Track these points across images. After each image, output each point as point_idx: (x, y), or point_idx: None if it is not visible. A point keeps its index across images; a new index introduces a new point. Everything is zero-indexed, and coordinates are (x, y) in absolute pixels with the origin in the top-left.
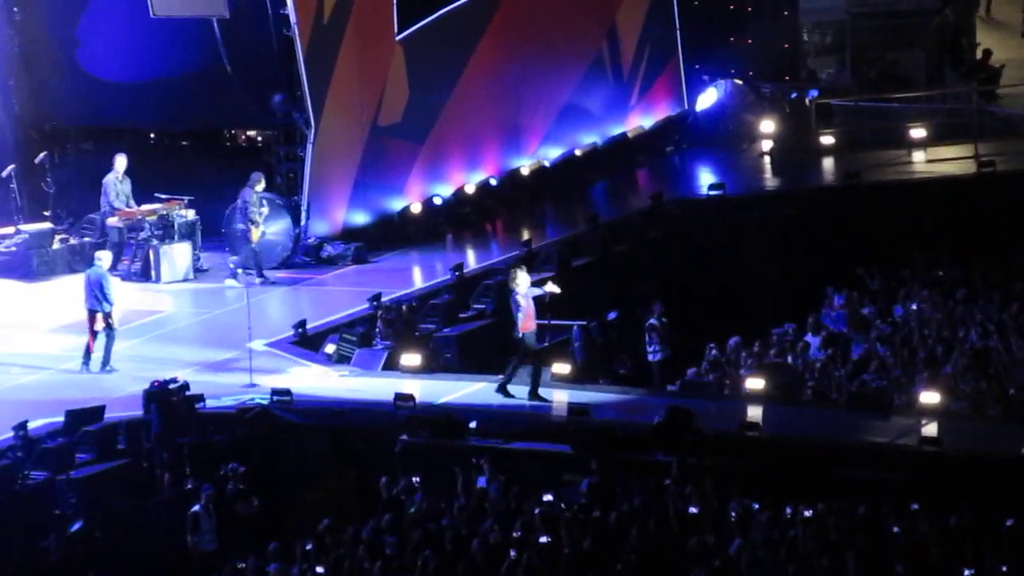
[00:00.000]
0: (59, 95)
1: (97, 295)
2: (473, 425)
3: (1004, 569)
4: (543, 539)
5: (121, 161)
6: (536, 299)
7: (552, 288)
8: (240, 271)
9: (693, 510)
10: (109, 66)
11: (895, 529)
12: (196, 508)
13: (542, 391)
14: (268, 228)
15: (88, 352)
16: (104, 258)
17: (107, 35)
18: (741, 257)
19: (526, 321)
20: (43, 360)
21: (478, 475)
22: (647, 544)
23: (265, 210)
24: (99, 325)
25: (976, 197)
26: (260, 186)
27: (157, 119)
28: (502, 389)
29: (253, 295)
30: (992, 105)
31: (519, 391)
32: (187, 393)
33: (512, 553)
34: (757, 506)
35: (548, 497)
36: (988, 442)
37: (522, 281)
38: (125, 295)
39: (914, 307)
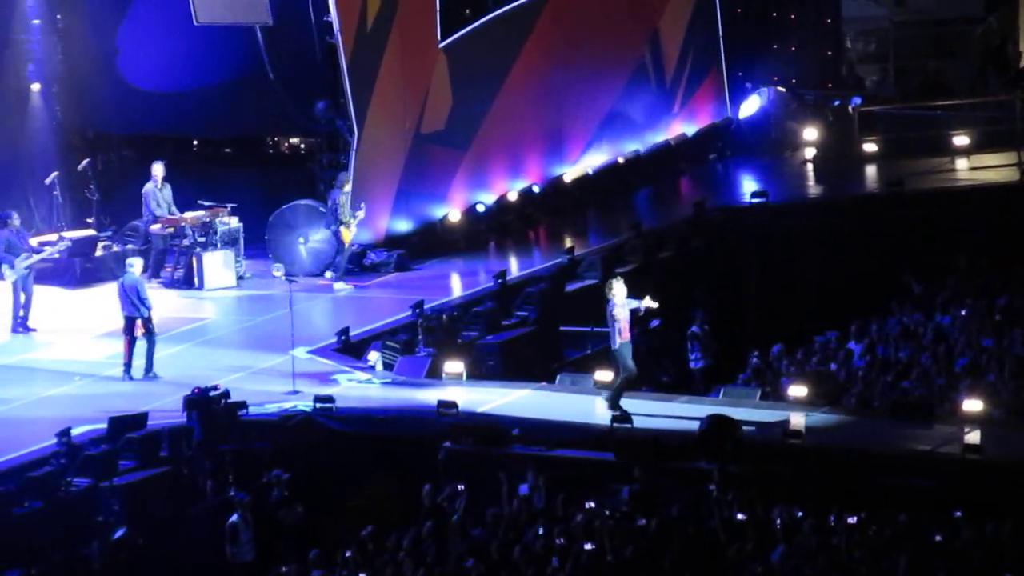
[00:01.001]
0: (102, 102)
1: (134, 301)
2: (516, 432)
3: None
4: (586, 547)
5: (158, 168)
6: (632, 311)
7: (649, 303)
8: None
9: (737, 517)
10: (151, 73)
11: (937, 537)
12: (234, 518)
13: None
14: (313, 236)
15: (128, 359)
16: (136, 264)
17: (150, 42)
18: (784, 265)
19: (624, 332)
20: (86, 367)
21: (521, 483)
22: (689, 552)
23: (361, 214)
24: (139, 331)
25: (1019, 204)
26: (348, 186)
27: (199, 126)
28: (613, 405)
29: (296, 302)
30: None
31: (630, 405)
32: (229, 400)
33: (555, 561)
34: (800, 514)
35: (591, 505)
36: None
37: (619, 292)
38: (168, 302)
39: (958, 315)
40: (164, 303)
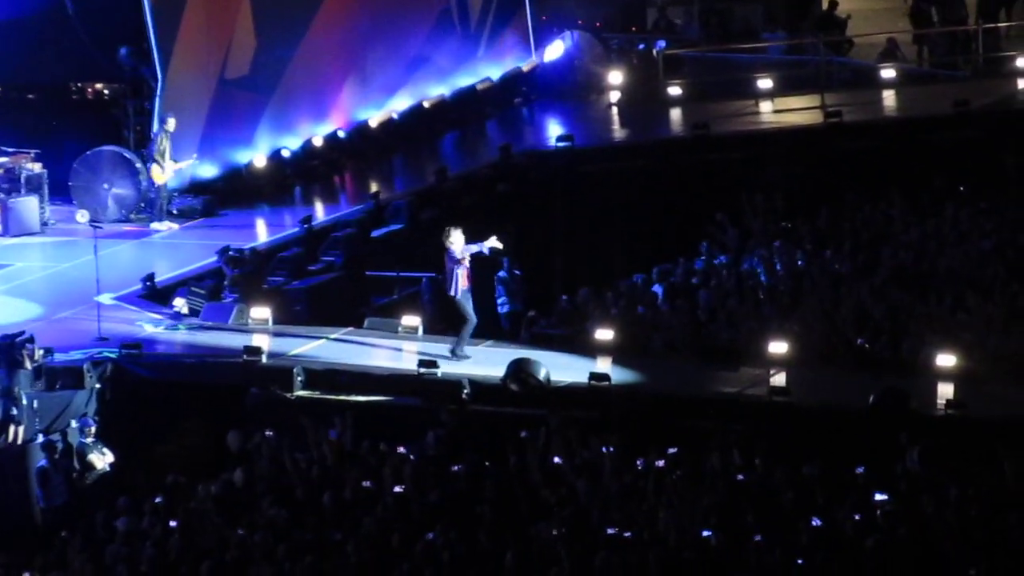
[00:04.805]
0: None
1: None
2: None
3: (857, 518)
4: (394, 490)
5: None
6: (474, 255)
7: (494, 243)
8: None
9: (544, 461)
10: None
11: (742, 478)
12: (43, 463)
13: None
14: (118, 182)
15: None
16: None
17: None
18: (591, 209)
19: (463, 280)
20: None
21: (329, 428)
22: (498, 495)
23: (190, 161)
24: None
25: (822, 146)
26: (172, 125)
27: (2, 72)
28: (458, 354)
29: (102, 248)
30: (838, 56)
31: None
32: (35, 346)
33: (363, 506)
34: (608, 454)
35: (399, 450)
36: (836, 392)
37: (456, 240)
38: None
39: (763, 257)
40: None
